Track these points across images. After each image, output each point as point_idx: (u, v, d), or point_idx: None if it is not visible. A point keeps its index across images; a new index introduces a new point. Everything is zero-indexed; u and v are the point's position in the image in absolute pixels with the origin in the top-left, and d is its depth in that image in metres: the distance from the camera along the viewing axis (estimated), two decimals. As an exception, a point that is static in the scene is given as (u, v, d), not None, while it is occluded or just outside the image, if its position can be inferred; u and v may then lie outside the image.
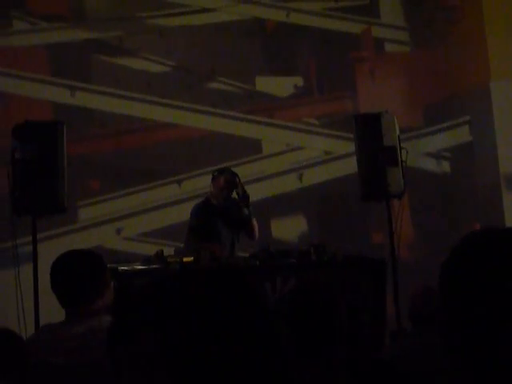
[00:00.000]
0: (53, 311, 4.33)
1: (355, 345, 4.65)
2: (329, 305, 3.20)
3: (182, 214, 9.76)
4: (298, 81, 10.55)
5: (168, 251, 7.98)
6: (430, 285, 5.39)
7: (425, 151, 10.53)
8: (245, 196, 7.92)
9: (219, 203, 7.96)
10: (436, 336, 4.70)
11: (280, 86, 10.50)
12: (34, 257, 7.17)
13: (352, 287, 6.83)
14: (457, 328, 1.87)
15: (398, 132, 8.01)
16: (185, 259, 7.54)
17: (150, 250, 8.60)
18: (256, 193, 9.97)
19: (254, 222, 7.98)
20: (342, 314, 3.21)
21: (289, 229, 10.05)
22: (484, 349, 1.79)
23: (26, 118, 7.41)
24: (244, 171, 10.06)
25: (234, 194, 7.98)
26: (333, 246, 7.56)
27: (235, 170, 9.84)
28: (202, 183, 9.96)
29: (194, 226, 7.99)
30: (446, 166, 10.72)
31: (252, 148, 10.34)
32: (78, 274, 3.87)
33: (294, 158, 10.36)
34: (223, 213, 7.94)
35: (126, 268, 7.18)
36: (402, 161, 7.97)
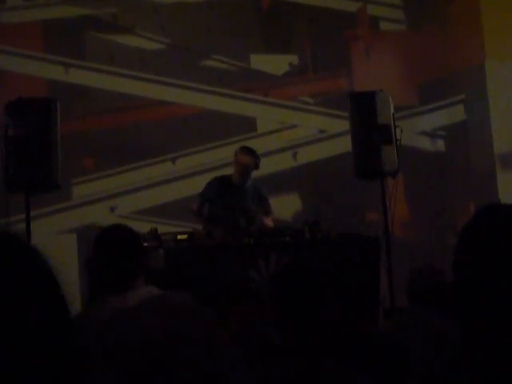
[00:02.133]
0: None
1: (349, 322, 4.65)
2: (312, 290, 3.18)
3: (177, 191, 9.79)
4: (293, 59, 10.55)
5: (162, 229, 8.00)
6: (428, 262, 5.41)
7: (419, 130, 10.56)
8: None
9: (239, 184, 7.94)
10: (433, 314, 4.69)
11: (275, 64, 10.50)
12: (28, 234, 7.15)
13: (346, 265, 6.83)
14: (475, 305, 1.86)
15: (392, 110, 8.02)
16: (179, 237, 7.56)
17: (144, 227, 8.60)
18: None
19: (269, 222, 7.99)
20: (327, 299, 3.18)
21: (283, 207, 10.04)
22: (503, 325, 1.80)
23: (19, 95, 7.40)
24: (233, 152, 10.10)
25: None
26: (327, 224, 7.57)
27: (229, 149, 9.89)
28: (196, 161, 9.97)
29: (207, 197, 7.95)
30: (440, 145, 10.75)
31: (247, 126, 10.35)
32: (133, 248, 3.87)
33: (288, 136, 10.38)
34: (240, 195, 7.93)
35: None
36: (396, 139, 7.98)
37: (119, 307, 3.67)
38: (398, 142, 7.98)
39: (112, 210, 9.80)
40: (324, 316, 3.17)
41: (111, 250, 3.82)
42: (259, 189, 8.06)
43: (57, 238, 9.41)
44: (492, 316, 1.84)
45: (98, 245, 3.91)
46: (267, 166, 10.10)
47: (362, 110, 8.06)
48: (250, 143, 10.13)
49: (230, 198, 7.88)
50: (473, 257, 1.88)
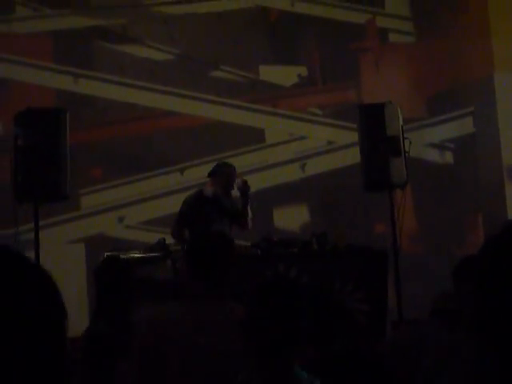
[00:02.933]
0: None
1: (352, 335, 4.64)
2: (289, 306, 3.17)
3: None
4: (302, 70, 10.55)
5: (170, 239, 8.00)
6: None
7: (428, 142, 10.53)
8: (245, 188, 7.90)
9: (213, 194, 7.94)
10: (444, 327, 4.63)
11: (283, 75, 10.51)
12: (36, 244, 7.17)
13: (353, 277, 6.83)
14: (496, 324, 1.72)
15: (401, 122, 8.02)
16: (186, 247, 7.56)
17: (152, 238, 8.62)
18: (258, 182, 10.00)
19: (249, 212, 7.96)
20: (305, 314, 3.18)
21: (291, 218, 10.06)
22: None
23: (28, 105, 7.42)
24: (247, 160, 10.11)
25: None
26: (335, 236, 7.56)
27: (237, 160, 9.90)
28: (204, 172, 9.94)
29: (184, 213, 7.96)
30: (449, 157, 10.72)
31: (255, 137, 10.34)
32: (224, 253, 4.01)
33: (296, 147, 10.37)
34: (216, 202, 7.92)
35: (128, 256, 7.19)
36: (405, 151, 7.97)
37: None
38: (406, 154, 7.98)
39: (120, 220, 9.81)
40: (301, 330, 3.17)
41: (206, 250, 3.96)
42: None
43: (65, 247, 9.42)
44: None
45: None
46: (275, 178, 10.13)
47: (371, 122, 8.06)
48: (258, 154, 10.18)
49: (207, 207, 7.91)
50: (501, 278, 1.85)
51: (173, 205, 9.82)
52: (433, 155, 10.61)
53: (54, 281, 1.36)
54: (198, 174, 9.94)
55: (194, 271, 3.91)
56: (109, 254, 6.93)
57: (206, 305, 3.76)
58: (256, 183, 10.00)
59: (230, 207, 7.90)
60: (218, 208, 7.86)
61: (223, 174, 7.87)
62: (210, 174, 7.96)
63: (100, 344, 4.75)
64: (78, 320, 4.39)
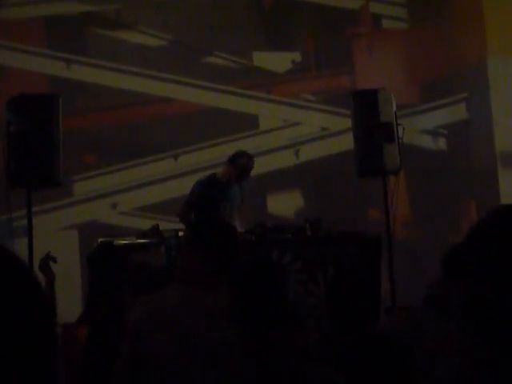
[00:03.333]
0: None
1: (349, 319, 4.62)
2: (277, 284, 3.17)
3: (179, 188, 9.79)
4: (296, 56, 10.56)
5: (164, 225, 8.02)
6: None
7: (421, 128, 10.56)
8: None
9: (227, 182, 7.97)
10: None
11: (277, 61, 10.52)
12: (29, 230, 7.16)
13: (346, 263, 6.84)
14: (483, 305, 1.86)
15: (394, 108, 8.03)
16: (180, 233, 7.56)
17: (145, 224, 8.63)
18: (254, 169, 10.03)
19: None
20: (286, 300, 3.16)
21: (285, 204, 10.09)
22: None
23: (21, 91, 7.42)
24: (240, 146, 10.07)
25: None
26: (328, 222, 7.58)
27: (231, 146, 9.92)
28: (198, 158, 9.98)
29: (194, 193, 7.99)
30: (442, 144, 10.76)
31: (249, 123, 10.36)
32: (230, 239, 4.03)
33: (290, 133, 10.39)
34: (226, 188, 7.95)
35: (121, 242, 7.19)
36: (398, 137, 7.99)
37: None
38: (400, 141, 8.00)
39: (113, 206, 9.83)
40: (284, 316, 3.16)
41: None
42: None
43: (59, 234, 9.43)
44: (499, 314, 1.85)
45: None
46: (269, 164, 10.14)
47: (365, 108, 8.07)
48: (252, 141, 10.18)
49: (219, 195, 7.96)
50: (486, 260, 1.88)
51: (167, 191, 9.86)
52: (426, 141, 10.64)
53: (40, 283, 1.30)
54: (191, 160, 9.98)
55: (199, 256, 3.84)
56: (102, 240, 6.94)
57: (206, 291, 3.74)
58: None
59: (237, 196, 7.96)
60: (226, 194, 7.91)
61: (241, 166, 7.89)
62: (229, 161, 7.97)
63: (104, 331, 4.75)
64: (71, 306, 4.42)
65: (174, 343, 3.63)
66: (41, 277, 4.53)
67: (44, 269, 4.81)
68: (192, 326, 3.65)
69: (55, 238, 9.07)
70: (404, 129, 7.93)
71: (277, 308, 3.13)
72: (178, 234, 7.55)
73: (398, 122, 8.02)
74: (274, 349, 3.11)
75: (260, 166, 10.02)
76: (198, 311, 3.69)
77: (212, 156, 9.98)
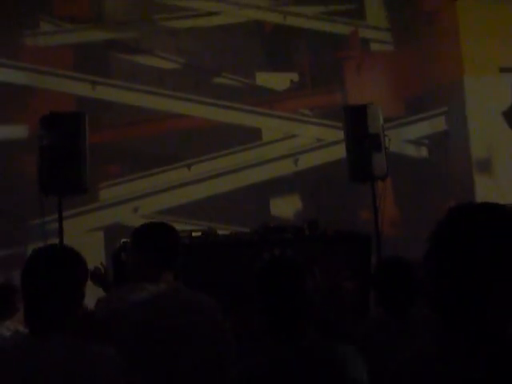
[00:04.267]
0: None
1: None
2: (294, 283, 3.11)
3: (192, 194, 9.83)
4: (294, 76, 10.56)
5: (179, 227, 7.98)
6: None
7: (405, 138, 10.55)
8: None
9: None
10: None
11: (278, 80, 10.53)
12: (60, 232, 7.17)
13: (340, 259, 6.81)
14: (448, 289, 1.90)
15: (381, 121, 8.01)
16: (194, 234, 7.54)
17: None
18: (257, 176, 10.05)
19: None
20: (307, 291, 3.13)
21: (285, 207, 10.07)
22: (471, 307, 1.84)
23: (51, 110, 7.43)
24: (246, 156, 10.13)
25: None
26: (324, 223, 7.56)
27: (237, 156, 9.94)
28: (209, 167, 9.99)
29: None
30: (424, 152, 10.76)
31: (253, 136, 10.35)
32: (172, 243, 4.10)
33: (290, 144, 10.38)
34: None
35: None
36: (385, 147, 7.97)
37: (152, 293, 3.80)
38: (386, 150, 7.98)
39: (135, 210, 9.81)
40: (307, 309, 3.12)
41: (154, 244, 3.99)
42: None
43: (86, 235, 9.41)
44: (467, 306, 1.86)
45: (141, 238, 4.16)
46: (271, 172, 10.14)
47: (355, 121, 8.05)
48: (255, 151, 10.19)
49: None
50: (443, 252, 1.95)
51: (181, 196, 9.87)
52: (410, 150, 10.63)
53: None
54: (203, 168, 9.98)
55: (145, 256, 3.94)
56: (125, 240, 6.92)
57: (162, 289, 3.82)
58: (254, 177, 10.06)
59: None
60: None
61: None
62: None
63: None
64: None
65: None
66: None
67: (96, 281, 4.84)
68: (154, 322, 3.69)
69: (83, 239, 9.05)
70: (390, 139, 7.91)
71: (301, 298, 3.09)
72: (191, 234, 7.53)
73: (385, 133, 8.01)
74: (301, 335, 3.07)
75: (263, 174, 10.09)
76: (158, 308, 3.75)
77: (221, 165, 10.01)
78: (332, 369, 3.00)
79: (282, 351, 3.08)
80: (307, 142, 10.39)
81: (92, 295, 3.87)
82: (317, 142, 10.34)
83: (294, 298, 3.08)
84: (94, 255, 8.93)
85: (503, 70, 10.35)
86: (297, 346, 3.05)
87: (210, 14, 10.31)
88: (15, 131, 9.43)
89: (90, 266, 4.81)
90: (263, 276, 3.17)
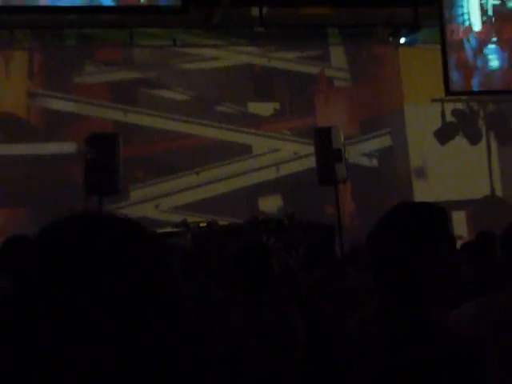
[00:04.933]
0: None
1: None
2: (263, 261, 3.07)
3: (200, 194, 9.83)
4: (276, 105, 10.53)
5: (190, 219, 8.02)
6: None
7: (360, 152, 10.55)
8: None
9: None
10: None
11: (264, 108, 10.49)
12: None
13: (311, 244, 6.85)
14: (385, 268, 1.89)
15: (342, 139, 8.06)
16: (201, 224, 7.57)
17: (178, 218, 8.62)
18: (248, 180, 10.04)
19: None
20: (272, 268, 3.09)
21: (270, 204, 10.06)
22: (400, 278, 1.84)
23: (93, 131, 7.48)
24: (240, 166, 10.12)
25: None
26: (299, 216, 7.58)
27: (234, 165, 9.94)
28: (212, 174, 9.98)
29: None
30: (374, 162, 10.74)
31: (245, 150, 10.34)
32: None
33: (273, 157, 10.36)
34: None
35: (161, 231, 7.22)
36: (345, 158, 8.02)
37: None
38: (346, 161, 8.04)
39: (156, 206, 9.79)
40: (271, 279, 3.08)
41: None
42: None
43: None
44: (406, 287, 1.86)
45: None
46: (259, 177, 10.14)
47: (322, 139, 8.10)
48: (247, 162, 10.19)
49: None
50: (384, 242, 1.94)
51: (192, 196, 9.87)
52: (364, 161, 10.62)
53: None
54: (208, 175, 9.97)
55: None
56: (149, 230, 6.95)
57: None
58: (247, 181, 10.06)
59: None
60: None
61: None
62: None
63: None
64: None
65: None
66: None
67: None
68: None
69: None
70: (349, 153, 7.97)
71: (266, 271, 3.04)
72: (199, 224, 7.57)
73: (345, 148, 8.06)
74: (265, 301, 3.02)
75: (254, 179, 10.08)
76: None
77: (221, 172, 10.01)
78: (282, 322, 2.98)
79: (250, 311, 3.05)
80: (286, 154, 10.39)
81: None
82: (294, 155, 10.35)
83: (259, 273, 3.04)
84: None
85: (433, 100, 10.38)
86: (258, 308, 3.03)
87: (213, 58, 10.29)
88: (66, 147, 9.40)
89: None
90: (237, 257, 3.17)
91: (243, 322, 3.05)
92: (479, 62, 8.70)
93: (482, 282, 3.29)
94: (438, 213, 1.95)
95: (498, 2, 8.54)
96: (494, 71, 8.63)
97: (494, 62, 8.73)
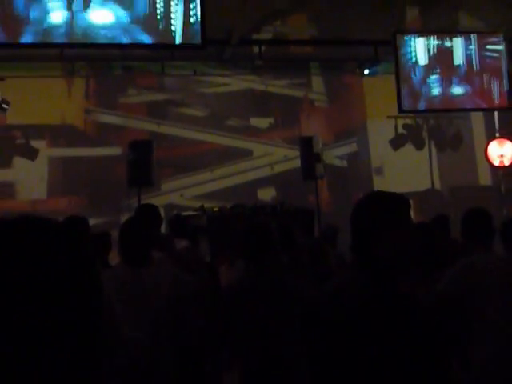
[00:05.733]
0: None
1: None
2: (265, 233, 2.97)
3: (214, 186, 9.82)
4: (271, 120, 10.54)
5: (206, 205, 7.99)
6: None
7: (334, 155, 10.56)
8: None
9: None
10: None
11: (262, 122, 10.50)
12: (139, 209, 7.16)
13: (297, 225, 6.81)
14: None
15: (320, 145, 8.02)
16: (214, 208, 7.52)
17: (197, 204, 8.58)
18: (250, 176, 10.03)
19: None
20: (274, 238, 2.96)
21: (266, 195, 10.08)
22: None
23: (134, 139, 7.42)
24: (243, 165, 10.12)
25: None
26: (289, 203, 7.55)
27: (239, 165, 9.94)
28: (223, 171, 9.98)
29: None
30: (345, 163, 10.76)
31: (248, 153, 10.34)
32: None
33: (269, 158, 10.37)
34: None
35: (184, 214, 7.18)
36: (322, 160, 7.99)
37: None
38: (323, 162, 8.01)
39: (181, 195, 9.80)
40: (273, 248, 2.96)
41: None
42: None
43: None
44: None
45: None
46: (259, 174, 10.14)
47: (306, 146, 8.06)
48: (250, 162, 10.19)
49: None
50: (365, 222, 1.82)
51: (207, 187, 9.87)
52: (337, 162, 10.63)
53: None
54: (219, 172, 9.97)
55: None
56: (175, 213, 6.93)
57: None
58: (248, 177, 10.06)
59: None
60: None
61: None
62: None
63: None
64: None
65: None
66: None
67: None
68: None
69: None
70: (325, 156, 7.95)
71: (267, 243, 2.92)
72: (213, 209, 7.51)
73: (323, 152, 8.03)
74: (266, 266, 2.90)
75: (253, 175, 10.09)
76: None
77: (230, 169, 10.00)
78: (280, 285, 2.88)
79: (253, 274, 2.94)
80: (278, 157, 10.37)
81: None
82: (284, 157, 10.33)
83: (262, 244, 2.92)
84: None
85: (389, 116, 10.34)
86: (260, 273, 2.91)
87: (224, 84, 10.24)
88: (113, 151, 9.40)
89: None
90: (245, 232, 3.07)
91: (249, 281, 2.96)
92: (424, 89, 8.61)
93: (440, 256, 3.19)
94: (399, 199, 1.87)
95: (439, 42, 8.49)
96: (434, 96, 8.55)
97: (435, 90, 8.65)
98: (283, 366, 2.71)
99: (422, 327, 1.69)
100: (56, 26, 4.51)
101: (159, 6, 4.57)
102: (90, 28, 4.68)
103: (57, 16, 4.36)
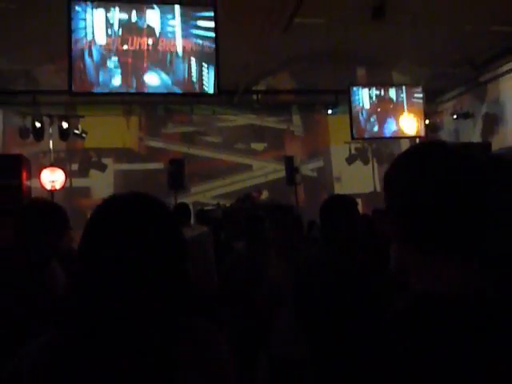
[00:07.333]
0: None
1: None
2: (260, 221, 2.93)
3: (226, 189, 9.76)
4: (265, 144, 10.50)
5: (222, 202, 7.96)
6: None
7: (308, 169, 10.53)
8: None
9: None
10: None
11: (258, 146, 10.46)
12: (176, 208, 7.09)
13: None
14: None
15: (299, 162, 8.03)
16: (227, 205, 7.50)
17: (215, 201, 8.58)
18: (250, 183, 9.99)
19: None
20: (265, 226, 2.93)
21: (262, 195, 10.05)
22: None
23: (171, 157, 7.38)
24: (246, 176, 10.07)
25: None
26: (276, 201, 7.52)
27: (243, 175, 9.89)
28: (232, 178, 9.95)
29: None
30: (315, 174, 10.74)
31: (249, 167, 10.28)
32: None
33: (263, 171, 10.33)
34: None
35: (206, 208, 7.15)
36: (300, 172, 7.98)
37: None
38: (300, 173, 7.99)
39: (204, 196, 9.76)
40: (263, 234, 2.89)
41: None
42: None
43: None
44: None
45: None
46: (256, 181, 10.11)
47: (288, 162, 8.07)
48: (250, 173, 10.13)
49: None
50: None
51: (220, 190, 9.82)
52: (310, 173, 10.61)
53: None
54: (230, 180, 9.94)
55: None
56: (199, 208, 6.92)
57: None
58: (249, 183, 10.01)
59: None
60: None
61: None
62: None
63: None
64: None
65: None
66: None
67: None
68: None
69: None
70: (302, 169, 7.91)
71: (261, 230, 2.84)
72: (225, 205, 7.51)
73: (300, 166, 8.01)
74: (260, 245, 2.80)
75: (253, 182, 10.04)
76: None
77: (237, 178, 9.93)
78: (265, 259, 2.64)
79: (252, 247, 2.86)
80: (270, 169, 10.33)
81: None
82: (274, 170, 10.29)
83: (257, 230, 2.85)
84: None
85: (345, 142, 10.34)
86: (255, 249, 2.81)
87: (233, 120, 10.20)
88: (158, 165, 9.32)
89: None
90: (247, 221, 3.02)
91: (245, 257, 2.94)
92: (368, 125, 8.68)
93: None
94: (351, 199, 1.90)
95: (377, 92, 8.51)
96: (374, 131, 8.64)
97: (375, 124, 8.72)
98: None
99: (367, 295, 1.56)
100: (118, 86, 4.52)
101: (194, 70, 4.56)
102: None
103: (118, 80, 4.38)
